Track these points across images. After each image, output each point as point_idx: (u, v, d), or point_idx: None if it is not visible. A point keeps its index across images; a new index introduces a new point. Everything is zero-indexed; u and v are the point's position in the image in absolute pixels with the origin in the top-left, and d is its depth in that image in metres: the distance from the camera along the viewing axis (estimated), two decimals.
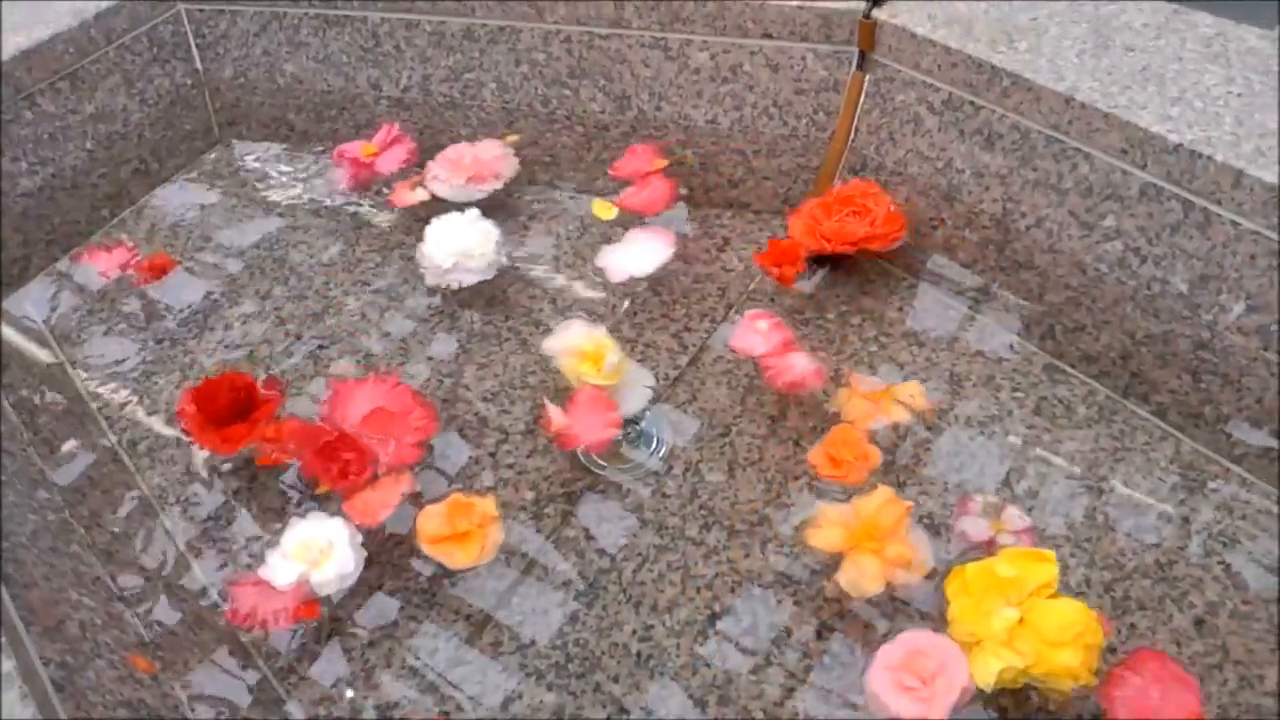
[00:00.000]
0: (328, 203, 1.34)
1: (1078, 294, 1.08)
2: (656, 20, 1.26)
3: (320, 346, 1.15)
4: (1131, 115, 1.01)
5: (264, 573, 0.92)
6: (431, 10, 1.35)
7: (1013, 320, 1.11)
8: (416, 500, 0.98)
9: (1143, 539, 0.92)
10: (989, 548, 0.92)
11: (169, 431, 1.08)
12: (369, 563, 0.93)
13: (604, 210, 1.29)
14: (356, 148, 1.33)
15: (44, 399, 1.13)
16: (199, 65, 1.47)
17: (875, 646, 0.83)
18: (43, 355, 1.17)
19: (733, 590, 0.92)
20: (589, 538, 0.97)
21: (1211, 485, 0.95)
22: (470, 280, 1.17)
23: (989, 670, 0.79)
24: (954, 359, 1.09)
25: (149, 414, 1.10)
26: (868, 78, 1.21)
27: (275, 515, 1.00)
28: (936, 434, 1.02)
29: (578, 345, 1.06)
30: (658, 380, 1.09)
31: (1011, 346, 1.09)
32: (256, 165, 1.41)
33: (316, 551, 0.92)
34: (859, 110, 1.23)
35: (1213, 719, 0.82)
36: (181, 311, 1.20)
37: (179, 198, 1.36)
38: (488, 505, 0.95)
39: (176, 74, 1.45)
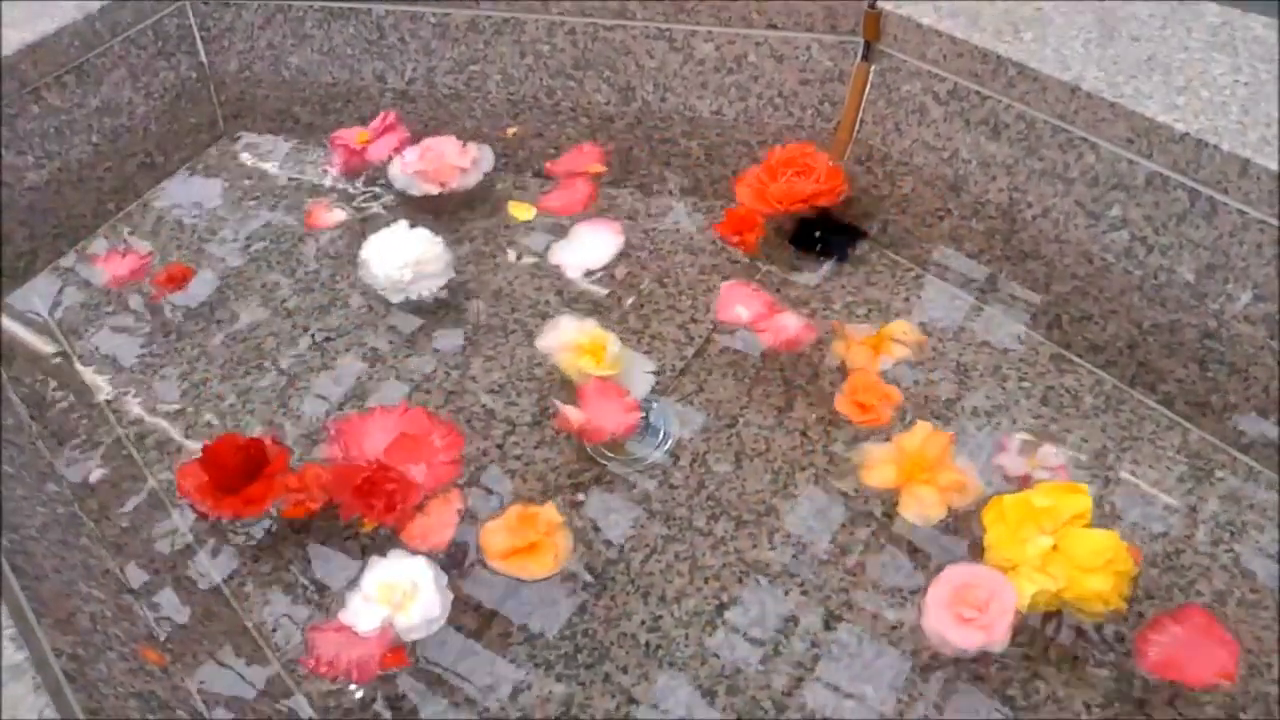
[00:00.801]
0: (334, 197, 1.34)
1: (1084, 283, 1.08)
2: (661, 11, 1.27)
3: (327, 339, 1.15)
4: (1137, 105, 1.01)
5: (345, 617, 0.88)
6: (436, 2, 1.35)
7: (1019, 310, 1.11)
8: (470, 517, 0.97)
9: (1150, 528, 0.92)
10: (1024, 483, 0.95)
11: (175, 429, 1.09)
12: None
13: (522, 211, 1.28)
14: (351, 134, 1.34)
15: (51, 393, 1.13)
16: (204, 59, 1.47)
17: (885, 631, 0.85)
18: (48, 349, 1.18)
19: (740, 580, 0.92)
20: (596, 529, 0.97)
21: (1219, 474, 0.95)
22: (437, 285, 1.15)
23: (1024, 593, 0.83)
24: (960, 349, 1.08)
25: (155, 408, 1.10)
26: (873, 68, 1.21)
27: (327, 562, 0.97)
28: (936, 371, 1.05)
29: (572, 340, 1.06)
30: (662, 370, 1.09)
31: (1018, 337, 1.09)
32: (262, 158, 1.40)
33: (400, 594, 0.87)
34: (864, 101, 1.23)
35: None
36: (187, 305, 1.20)
37: (184, 191, 1.36)
38: (550, 513, 0.94)
39: (181, 67, 1.45)
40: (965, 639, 0.82)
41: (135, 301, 1.22)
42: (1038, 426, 1.01)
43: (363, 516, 0.94)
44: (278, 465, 0.97)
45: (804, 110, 1.26)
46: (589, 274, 1.18)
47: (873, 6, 1.19)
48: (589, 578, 0.92)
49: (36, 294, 1.23)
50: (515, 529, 0.92)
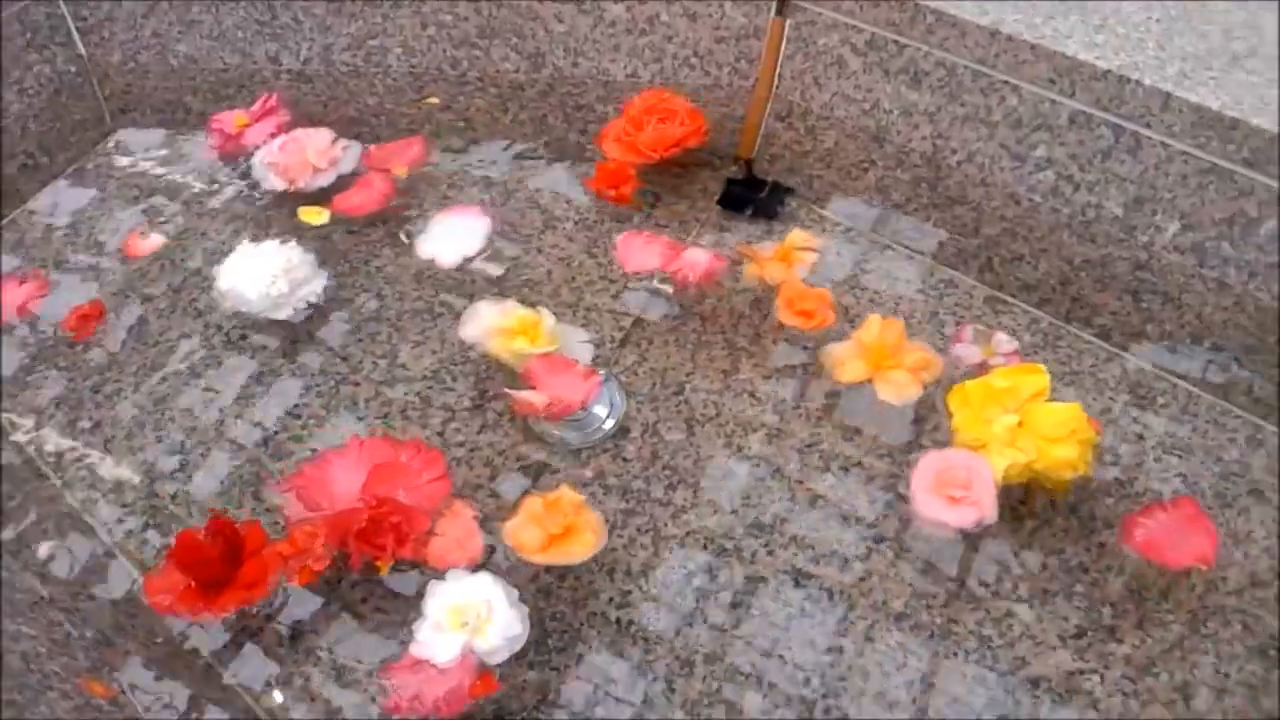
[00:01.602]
0: (229, 192, 1.26)
1: (1013, 225, 1.09)
2: None
3: (242, 335, 1.10)
4: (1058, 44, 1.01)
5: (419, 651, 0.82)
6: None
7: (951, 255, 1.12)
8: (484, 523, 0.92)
9: (1100, 458, 0.94)
10: (982, 369, 0.99)
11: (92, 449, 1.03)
12: None
13: (313, 216, 1.21)
14: (230, 118, 1.28)
15: None
16: (82, 50, 1.37)
17: (848, 591, 0.85)
18: None
19: (704, 547, 0.91)
20: (493, 495, 0.94)
21: (1161, 401, 0.98)
22: (320, 287, 1.09)
23: (997, 467, 0.88)
24: (895, 299, 1.08)
25: (64, 431, 1.04)
26: (788, 22, 1.20)
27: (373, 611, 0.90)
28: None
29: (498, 324, 1.02)
30: (601, 340, 1.06)
31: (951, 281, 1.10)
32: (153, 153, 1.32)
33: (474, 616, 0.82)
34: (781, 56, 1.22)
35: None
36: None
37: (71, 194, 1.28)
38: (567, 494, 0.89)
39: (58, 60, 1.36)
40: (960, 517, 0.87)
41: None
42: None
43: (375, 559, 0.86)
44: (257, 539, 0.88)
45: (720, 69, 1.24)
46: (467, 260, 1.13)
47: None
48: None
49: None
50: (540, 522, 0.87)
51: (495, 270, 1.13)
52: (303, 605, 0.89)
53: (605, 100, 1.27)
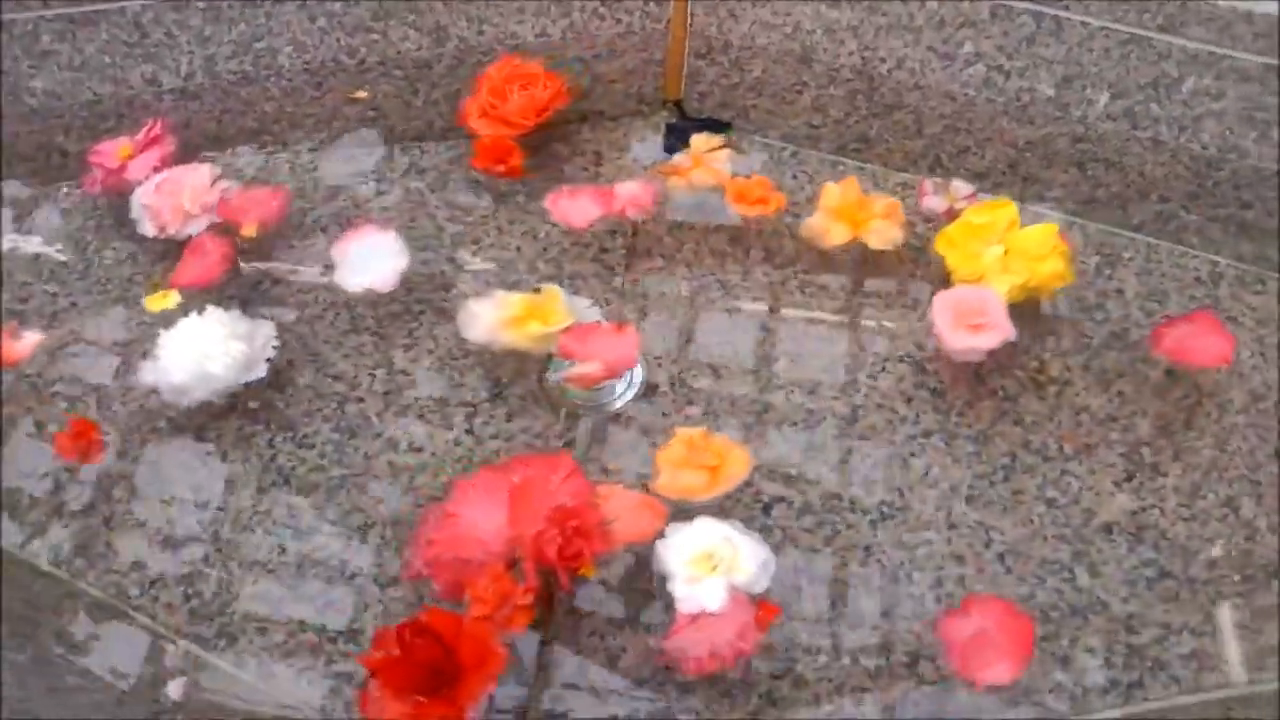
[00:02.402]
0: (111, 254, 1.14)
1: (953, 120, 1.16)
2: None
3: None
4: None
5: (689, 608, 0.81)
6: None
7: (898, 159, 1.17)
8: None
9: (1093, 316, 1.03)
10: (949, 216, 1.07)
11: None
12: None
13: (161, 301, 1.10)
14: (112, 149, 1.17)
15: None
16: None
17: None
18: None
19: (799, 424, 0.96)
20: (605, 471, 0.95)
21: (1127, 256, 1.07)
22: (271, 345, 1.02)
23: (999, 292, 0.98)
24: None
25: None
26: None
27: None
28: None
29: (502, 316, 1.00)
30: (597, 303, 1.06)
31: (904, 184, 1.15)
32: (25, 219, 1.19)
33: (722, 557, 0.82)
34: None
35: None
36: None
37: None
38: (686, 433, 0.92)
39: None
40: (987, 340, 0.96)
41: None
42: None
43: (578, 569, 0.83)
44: (446, 620, 0.79)
45: (630, 15, 1.23)
46: (403, 278, 1.06)
47: None
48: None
49: None
50: (687, 459, 0.90)
51: (548, 239, 1.12)
52: (527, 648, 0.87)
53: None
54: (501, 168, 1.16)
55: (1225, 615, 0.87)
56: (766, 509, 0.92)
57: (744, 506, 0.92)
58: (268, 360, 1.01)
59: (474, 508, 0.84)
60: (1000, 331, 0.96)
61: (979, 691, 0.82)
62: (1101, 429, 0.95)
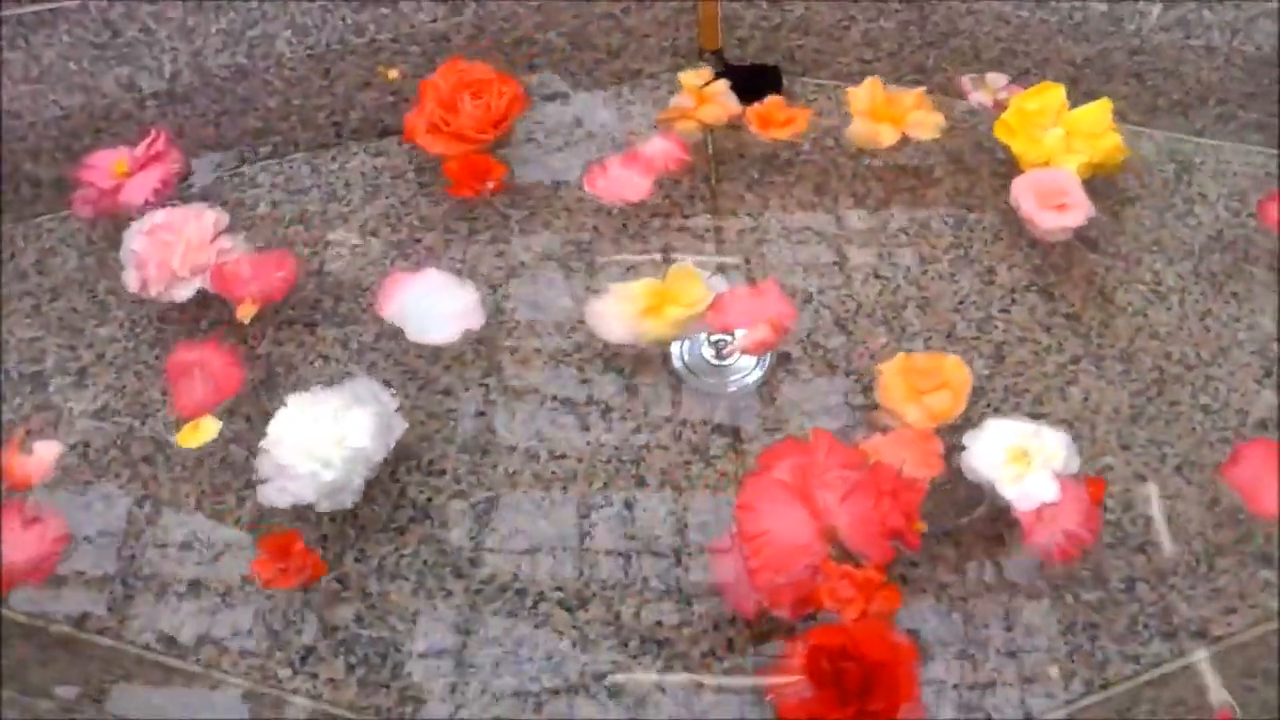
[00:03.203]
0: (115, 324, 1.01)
1: (1009, 43, 1.16)
2: None
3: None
4: None
5: (1027, 504, 0.82)
6: None
7: (957, 87, 1.15)
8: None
9: (1182, 230, 1.06)
10: (997, 108, 1.10)
11: None
12: None
13: (196, 436, 0.93)
14: (107, 163, 1.03)
15: None
16: None
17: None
18: None
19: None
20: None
21: (1197, 160, 1.10)
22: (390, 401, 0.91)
23: (1072, 170, 1.02)
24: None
25: None
26: None
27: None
28: None
29: (641, 306, 0.95)
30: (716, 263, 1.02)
31: (973, 111, 1.14)
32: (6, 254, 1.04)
33: (1032, 451, 0.83)
34: None
35: None
36: None
37: None
38: (894, 364, 0.92)
39: None
40: (1073, 218, 0.99)
41: None
42: None
43: (915, 526, 0.81)
44: (839, 636, 0.76)
45: None
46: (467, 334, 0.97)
47: None
48: None
49: None
50: (915, 386, 0.90)
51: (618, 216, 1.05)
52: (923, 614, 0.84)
53: (545, 27, 1.16)
54: (490, 187, 1.06)
55: None
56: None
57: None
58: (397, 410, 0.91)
59: (770, 520, 0.79)
60: (1083, 210, 1.00)
61: None
62: (1229, 331, 1.00)
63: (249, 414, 0.93)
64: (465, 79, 1.06)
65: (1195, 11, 1.13)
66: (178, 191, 1.05)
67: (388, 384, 0.92)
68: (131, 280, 0.97)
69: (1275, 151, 1.11)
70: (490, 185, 1.06)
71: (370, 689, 0.81)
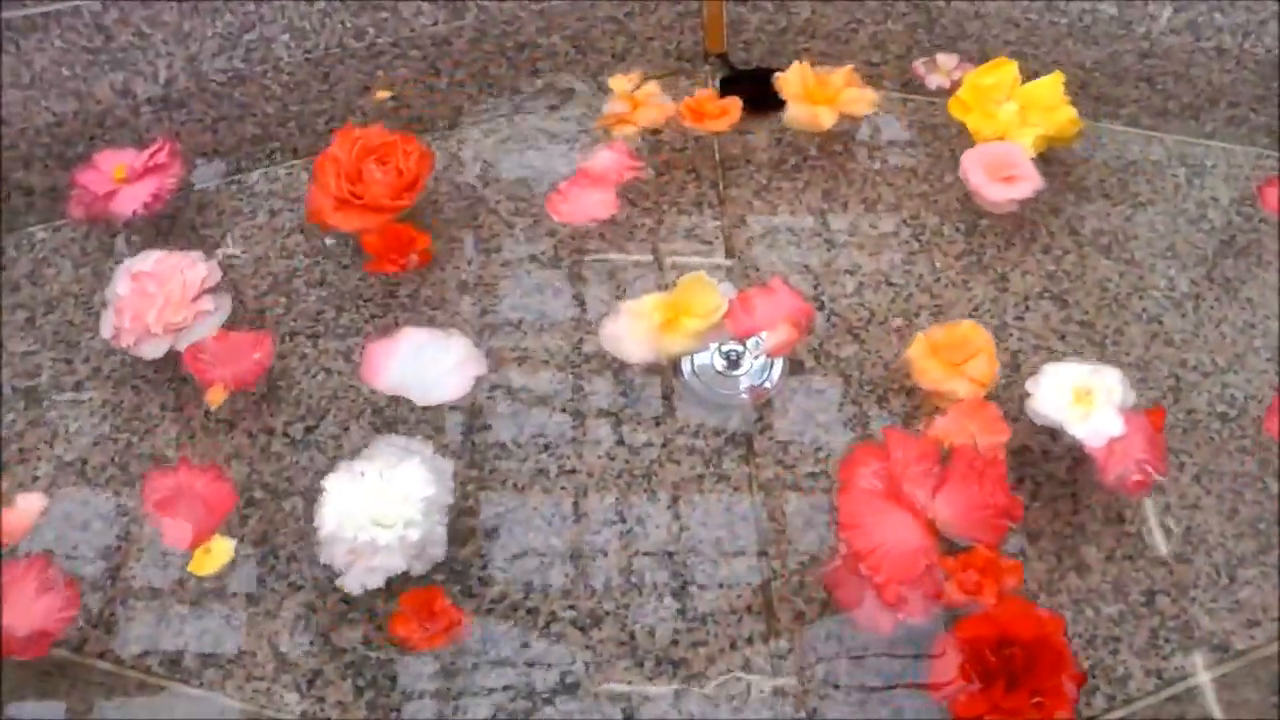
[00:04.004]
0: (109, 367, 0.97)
1: (1018, 46, 1.15)
2: None
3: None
4: None
5: (1096, 440, 0.84)
6: None
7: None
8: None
9: (1196, 236, 1.05)
10: (952, 89, 1.10)
11: None
12: None
13: (208, 562, 0.86)
14: (105, 166, 1.01)
15: None
16: None
17: None
18: None
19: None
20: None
21: (1208, 163, 1.09)
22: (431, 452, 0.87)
23: (1026, 144, 1.03)
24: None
25: None
26: None
27: None
28: None
29: (656, 320, 0.93)
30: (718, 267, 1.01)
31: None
32: None
33: (1093, 389, 0.86)
34: None
35: None
36: None
37: None
38: (920, 343, 0.91)
39: None
40: (1020, 190, 1.00)
41: None
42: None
43: (1012, 511, 0.81)
44: (987, 623, 0.76)
45: None
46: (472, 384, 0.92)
47: None
48: None
49: None
50: (946, 356, 0.90)
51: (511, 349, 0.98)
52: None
53: (547, 31, 1.14)
54: (416, 259, 1.00)
55: None
56: None
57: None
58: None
59: (877, 532, 0.78)
60: (1032, 181, 1.01)
61: None
62: (1244, 337, 0.99)
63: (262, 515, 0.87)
64: (367, 146, 1.00)
65: (1205, 14, 1.12)
66: (172, 203, 1.03)
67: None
68: (107, 327, 0.94)
69: None
70: (415, 258, 1.00)
71: (380, 712, 0.79)
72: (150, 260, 0.94)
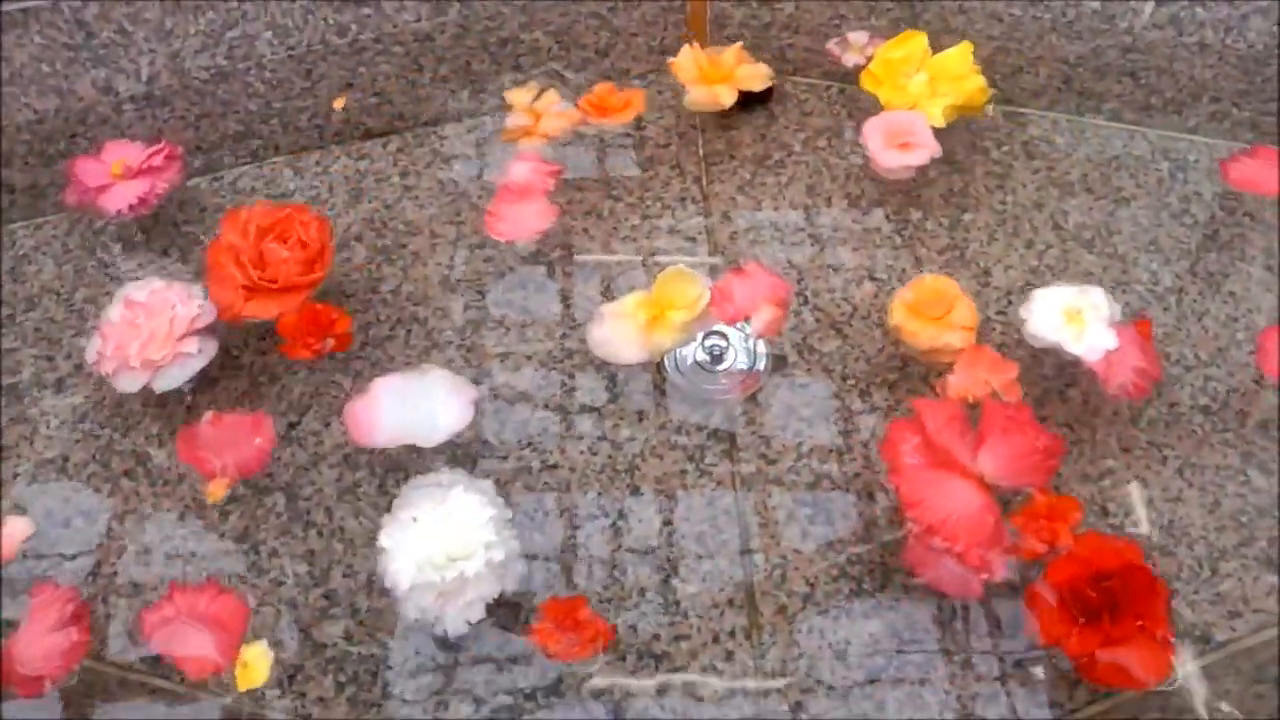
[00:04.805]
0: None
1: (1003, 41, 1.15)
2: None
3: None
4: None
5: (1093, 355, 0.89)
6: None
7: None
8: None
9: (1179, 231, 1.04)
10: (868, 61, 1.12)
11: None
12: None
13: (251, 678, 0.81)
14: (104, 158, 1.00)
15: None
16: None
17: None
18: None
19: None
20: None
21: (1191, 157, 1.09)
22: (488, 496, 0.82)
23: (934, 114, 1.05)
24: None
25: None
26: None
27: None
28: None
29: (637, 317, 0.93)
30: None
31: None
32: None
33: (1083, 306, 0.89)
34: None
35: None
36: None
37: None
38: (900, 307, 0.92)
39: None
40: (916, 157, 1.03)
41: None
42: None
43: (1054, 448, 0.83)
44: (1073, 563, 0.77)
45: None
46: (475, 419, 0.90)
47: None
48: None
49: None
50: (933, 318, 0.91)
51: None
52: None
53: (530, 27, 1.14)
54: (333, 342, 0.94)
55: None
56: None
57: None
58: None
59: (941, 503, 0.78)
60: (927, 150, 1.03)
61: None
62: (1227, 331, 0.98)
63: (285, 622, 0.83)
64: (261, 226, 0.94)
65: (1188, 9, 1.12)
66: (156, 206, 1.02)
67: None
68: (91, 351, 0.92)
69: (1269, 148, 1.10)
70: (333, 342, 0.94)
71: (360, 708, 0.79)
72: (146, 290, 0.91)
